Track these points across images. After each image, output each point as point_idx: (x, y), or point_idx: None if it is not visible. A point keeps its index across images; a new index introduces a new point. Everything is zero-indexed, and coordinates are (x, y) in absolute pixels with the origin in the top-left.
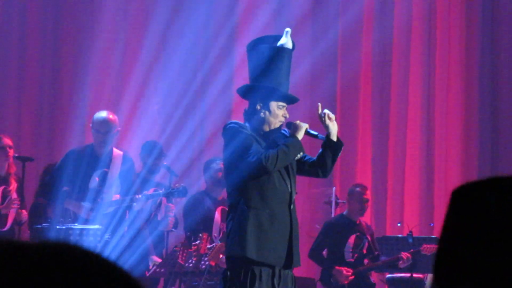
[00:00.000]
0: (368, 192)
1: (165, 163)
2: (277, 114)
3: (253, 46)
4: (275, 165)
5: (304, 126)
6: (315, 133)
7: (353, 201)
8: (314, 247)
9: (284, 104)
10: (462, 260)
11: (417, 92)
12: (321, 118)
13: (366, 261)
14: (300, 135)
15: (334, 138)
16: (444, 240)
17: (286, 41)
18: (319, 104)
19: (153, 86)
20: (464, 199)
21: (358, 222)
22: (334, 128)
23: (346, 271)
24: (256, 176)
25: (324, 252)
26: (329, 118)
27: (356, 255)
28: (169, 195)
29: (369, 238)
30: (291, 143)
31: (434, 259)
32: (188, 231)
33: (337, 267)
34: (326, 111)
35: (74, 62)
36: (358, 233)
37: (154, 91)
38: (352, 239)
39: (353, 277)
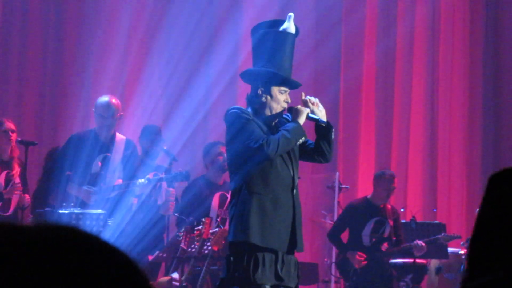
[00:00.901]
0: (396, 180)
1: (164, 147)
2: (279, 99)
3: (256, 31)
4: (276, 150)
5: (306, 111)
6: (317, 117)
7: (379, 188)
8: (333, 228)
9: (285, 89)
10: (498, 246)
11: (421, 81)
12: (305, 104)
13: (385, 246)
14: (302, 120)
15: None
16: (480, 226)
17: (288, 25)
18: (302, 93)
19: (156, 71)
20: (502, 185)
21: (381, 207)
22: (321, 113)
23: (359, 256)
24: (258, 162)
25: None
26: (312, 103)
27: (374, 239)
28: (171, 180)
29: (391, 223)
30: (292, 129)
31: (468, 245)
32: (179, 213)
33: (351, 251)
34: (308, 97)
35: (76, 46)
36: (379, 218)
37: (157, 75)
38: (372, 223)
39: (365, 262)
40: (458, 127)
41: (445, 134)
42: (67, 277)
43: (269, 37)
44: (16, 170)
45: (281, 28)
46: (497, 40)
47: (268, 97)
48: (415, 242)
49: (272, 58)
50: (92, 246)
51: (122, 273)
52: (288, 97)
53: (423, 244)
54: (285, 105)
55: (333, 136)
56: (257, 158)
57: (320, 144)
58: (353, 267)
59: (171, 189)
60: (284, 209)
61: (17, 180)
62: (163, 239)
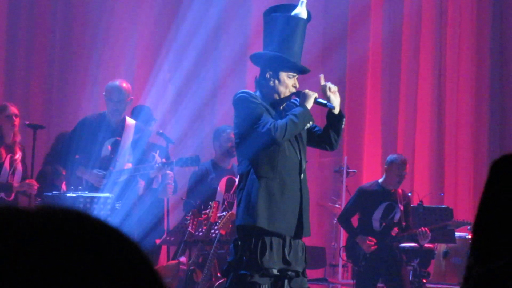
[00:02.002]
0: (408, 165)
1: (160, 131)
2: (287, 83)
3: (268, 14)
4: (284, 135)
5: (313, 95)
6: (324, 102)
7: (391, 173)
8: (343, 211)
9: (294, 74)
10: (502, 232)
11: (428, 64)
12: (324, 90)
13: (396, 230)
14: (309, 104)
15: (336, 111)
16: (483, 211)
17: (300, 11)
18: (321, 75)
19: (165, 54)
20: (504, 170)
21: (392, 191)
22: (336, 100)
23: (369, 241)
24: (265, 146)
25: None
26: (331, 90)
27: (384, 224)
28: (182, 164)
29: (401, 208)
30: (300, 113)
31: (472, 231)
32: (186, 196)
33: (361, 236)
34: (328, 83)
35: (85, 29)
36: (389, 202)
37: (166, 59)
38: (382, 208)
39: (375, 247)
40: (465, 111)
41: (452, 117)
42: (68, 260)
43: (280, 21)
44: (19, 154)
45: (293, 13)
46: (503, 22)
47: (276, 81)
48: (419, 230)
49: (282, 43)
50: (94, 229)
51: (125, 256)
52: (296, 82)
53: (428, 232)
54: (293, 90)
55: (343, 126)
56: (265, 142)
57: (328, 132)
58: (363, 252)
59: (169, 171)
60: (292, 193)
61: (19, 166)
62: (163, 223)
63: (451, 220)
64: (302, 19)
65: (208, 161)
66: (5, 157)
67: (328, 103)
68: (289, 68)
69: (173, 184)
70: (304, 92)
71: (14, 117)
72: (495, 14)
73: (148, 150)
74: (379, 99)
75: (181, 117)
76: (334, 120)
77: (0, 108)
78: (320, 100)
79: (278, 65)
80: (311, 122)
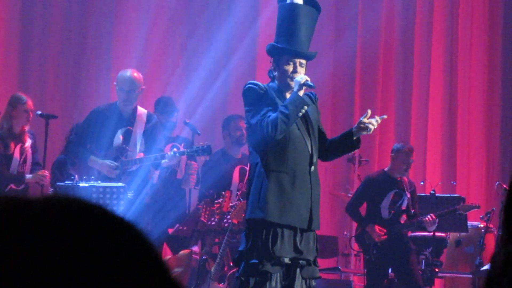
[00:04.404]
0: (414, 153)
1: (187, 121)
2: (285, 70)
3: (278, 4)
4: (276, 131)
5: (302, 79)
6: (311, 84)
7: (397, 161)
8: (351, 201)
9: (293, 60)
10: None
11: (440, 54)
12: (371, 124)
13: (404, 218)
14: (301, 90)
15: (358, 135)
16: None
17: None
18: (368, 110)
19: (175, 43)
20: None
21: (399, 179)
22: (371, 129)
23: (379, 230)
24: (264, 141)
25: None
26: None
27: (393, 211)
28: (193, 154)
29: (408, 195)
30: (290, 102)
31: (504, 210)
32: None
33: (371, 225)
34: (380, 117)
35: (99, 20)
36: (397, 190)
37: (179, 49)
38: (390, 196)
39: (385, 236)
40: (477, 99)
41: (464, 106)
42: (71, 251)
43: (279, 11)
44: (28, 142)
45: (288, 0)
46: None
47: (277, 70)
48: (425, 217)
49: (281, 31)
50: (98, 219)
51: (130, 246)
52: (300, 67)
53: (434, 217)
54: (294, 77)
55: (349, 153)
56: (262, 137)
57: (332, 149)
58: (373, 240)
59: (193, 162)
60: (301, 186)
61: (29, 152)
62: (186, 213)
63: (460, 205)
64: (299, 4)
65: (218, 150)
66: (14, 148)
67: (312, 84)
68: (286, 55)
69: (195, 175)
70: (296, 79)
71: (30, 113)
72: (507, 7)
73: (171, 142)
74: (392, 88)
75: (191, 107)
76: (347, 143)
77: (19, 99)
78: (309, 82)
79: (277, 53)
80: (305, 107)
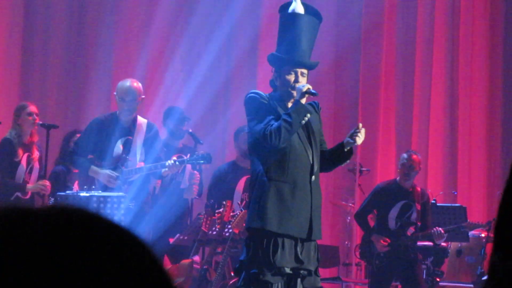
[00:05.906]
0: (415, 157)
1: (190, 130)
2: (287, 80)
3: (279, 14)
4: (279, 139)
5: (304, 88)
6: (314, 91)
7: (400, 167)
8: (360, 209)
9: (294, 69)
10: None
11: (441, 63)
12: (356, 130)
13: (412, 229)
14: (303, 98)
15: (348, 147)
16: (506, 207)
17: (295, 6)
18: (359, 124)
19: (177, 53)
20: None
21: (410, 190)
22: (358, 142)
23: (384, 241)
24: (267, 150)
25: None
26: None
27: (399, 223)
28: (193, 162)
29: (418, 207)
30: (293, 111)
31: (495, 228)
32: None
33: (376, 235)
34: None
35: (99, 29)
36: (406, 201)
37: (179, 58)
38: (398, 206)
39: (387, 248)
40: (478, 109)
41: (465, 116)
42: (74, 261)
43: (280, 20)
44: (36, 154)
45: (289, 10)
46: None
47: (279, 80)
48: (434, 230)
49: (281, 41)
50: (101, 229)
51: (133, 257)
52: (302, 77)
53: (442, 232)
54: (296, 85)
55: (343, 164)
56: (265, 146)
57: (328, 159)
58: (376, 251)
59: (196, 172)
60: (302, 196)
61: (36, 164)
62: (186, 223)
63: (466, 222)
64: (299, 13)
65: (229, 162)
66: (22, 156)
67: (316, 92)
68: (287, 64)
69: (198, 185)
70: (298, 87)
71: (35, 116)
72: (508, 14)
73: (177, 152)
74: (393, 98)
75: (194, 115)
76: (342, 153)
77: (20, 107)
78: (311, 90)
79: (278, 63)
80: (308, 115)
